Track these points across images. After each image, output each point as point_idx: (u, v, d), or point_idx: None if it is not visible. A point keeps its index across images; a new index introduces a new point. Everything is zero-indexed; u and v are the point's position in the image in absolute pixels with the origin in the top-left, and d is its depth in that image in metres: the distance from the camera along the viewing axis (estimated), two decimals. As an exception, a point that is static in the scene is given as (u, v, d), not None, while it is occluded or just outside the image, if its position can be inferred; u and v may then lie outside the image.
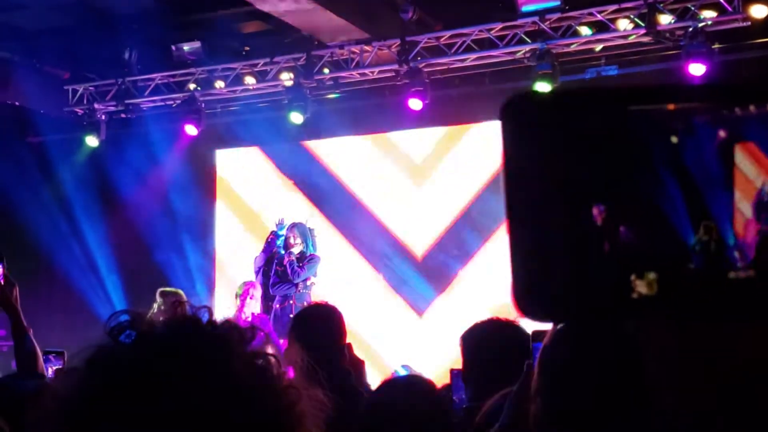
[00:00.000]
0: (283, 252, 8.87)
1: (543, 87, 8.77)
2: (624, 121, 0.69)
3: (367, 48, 9.48)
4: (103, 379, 1.00)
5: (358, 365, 3.87)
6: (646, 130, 0.69)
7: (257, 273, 8.99)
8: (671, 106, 0.70)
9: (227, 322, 1.07)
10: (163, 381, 0.99)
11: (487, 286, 9.51)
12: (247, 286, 8.49)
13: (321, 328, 3.42)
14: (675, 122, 0.69)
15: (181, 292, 8.58)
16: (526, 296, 0.69)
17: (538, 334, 2.19)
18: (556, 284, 0.69)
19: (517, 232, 0.69)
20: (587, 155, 0.69)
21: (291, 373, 3.25)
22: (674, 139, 0.69)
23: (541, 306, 0.70)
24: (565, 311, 0.71)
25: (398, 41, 9.28)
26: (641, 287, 0.68)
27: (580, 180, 0.68)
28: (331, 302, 3.60)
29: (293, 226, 8.98)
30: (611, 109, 0.70)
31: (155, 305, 8.46)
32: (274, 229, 9.17)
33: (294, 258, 8.78)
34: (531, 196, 0.69)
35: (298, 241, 8.86)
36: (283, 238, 8.94)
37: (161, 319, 1.07)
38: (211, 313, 1.08)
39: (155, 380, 0.99)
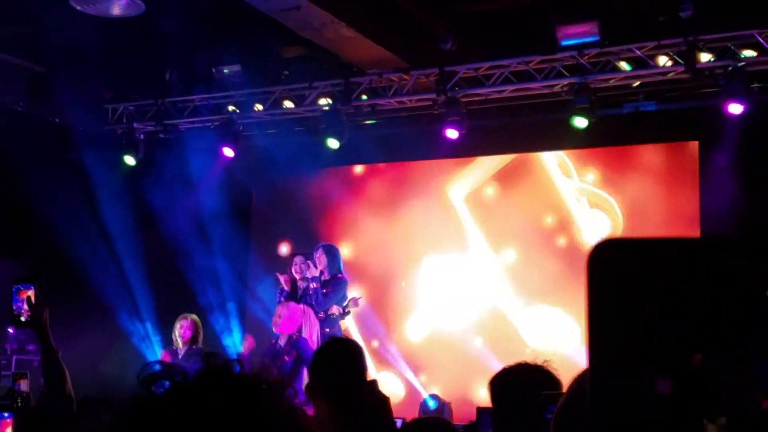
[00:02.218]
0: (306, 280, 8.76)
1: (580, 122, 8.74)
2: (709, 273, 0.71)
3: (405, 76, 9.53)
4: (138, 430, 1.03)
5: (384, 402, 3.81)
6: (733, 281, 0.72)
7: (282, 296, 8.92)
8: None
9: (258, 374, 1.10)
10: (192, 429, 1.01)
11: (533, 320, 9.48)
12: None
13: (341, 365, 3.35)
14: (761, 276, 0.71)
15: (196, 318, 8.66)
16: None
17: (551, 398, 2.17)
18: (634, 426, 0.71)
19: (600, 372, 0.72)
20: (672, 303, 0.71)
21: (311, 412, 3.21)
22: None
23: None
24: None
25: (437, 70, 9.30)
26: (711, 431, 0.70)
27: (666, 327, 0.70)
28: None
29: (319, 247, 8.88)
30: (695, 260, 0.72)
31: (175, 329, 8.51)
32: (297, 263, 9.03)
33: (318, 285, 8.62)
34: (616, 340, 0.71)
35: (323, 262, 8.71)
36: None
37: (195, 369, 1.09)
38: (242, 365, 1.11)
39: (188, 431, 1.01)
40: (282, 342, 8.11)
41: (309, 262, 8.80)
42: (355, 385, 3.32)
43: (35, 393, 5.33)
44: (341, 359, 3.37)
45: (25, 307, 3.70)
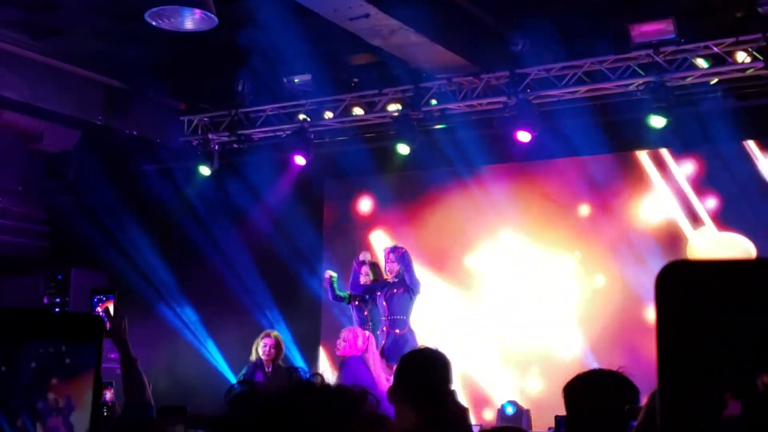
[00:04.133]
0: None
1: (657, 121, 8.57)
2: None
3: (475, 80, 9.47)
4: None
5: (462, 412, 3.81)
6: None
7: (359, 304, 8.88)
8: None
9: (339, 388, 1.12)
10: None
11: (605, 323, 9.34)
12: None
13: (426, 374, 3.36)
14: None
15: (278, 335, 8.70)
16: None
17: (634, 411, 2.12)
18: None
19: (670, 394, 0.72)
20: (742, 324, 0.71)
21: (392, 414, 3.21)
22: None
23: None
24: None
25: (507, 73, 9.22)
26: None
27: (736, 348, 0.71)
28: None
29: (390, 250, 8.77)
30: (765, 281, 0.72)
31: (258, 347, 8.54)
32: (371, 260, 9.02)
33: (401, 289, 8.52)
34: (686, 360, 0.72)
35: (397, 266, 8.58)
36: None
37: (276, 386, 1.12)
38: (322, 379, 1.13)
39: None
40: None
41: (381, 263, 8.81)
42: (439, 393, 3.33)
43: (121, 402, 5.42)
44: (428, 367, 3.38)
45: (104, 317, 3.76)
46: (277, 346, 8.56)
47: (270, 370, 8.50)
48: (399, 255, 8.62)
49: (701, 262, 0.74)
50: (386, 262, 8.71)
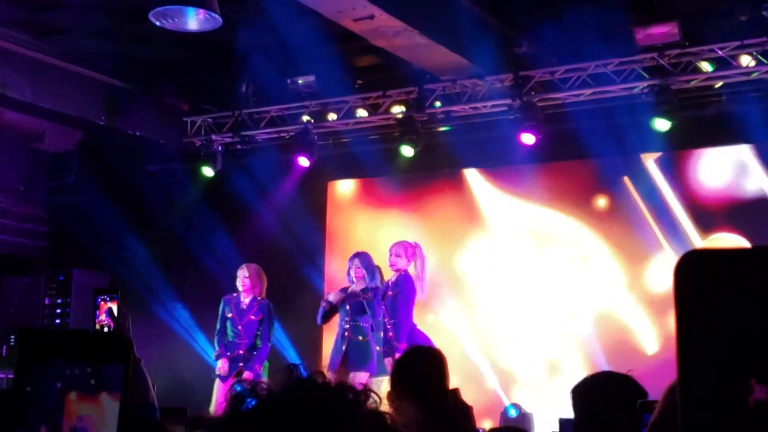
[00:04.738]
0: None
1: (662, 124, 8.55)
2: None
3: (479, 82, 9.45)
4: None
5: (466, 410, 3.78)
6: None
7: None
8: None
9: (342, 383, 1.10)
10: None
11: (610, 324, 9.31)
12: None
13: (423, 372, 3.36)
14: None
15: (255, 265, 8.35)
16: None
17: (647, 406, 2.11)
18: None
19: (690, 383, 0.72)
20: (763, 310, 0.71)
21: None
22: None
23: None
24: None
25: (511, 75, 9.21)
26: None
27: (759, 334, 0.71)
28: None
29: (355, 256, 8.29)
30: None
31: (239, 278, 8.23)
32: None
33: (370, 296, 8.07)
34: (708, 348, 0.72)
35: (360, 274, 8.14)
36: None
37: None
38: (324, 377, 1.11)
39: None
40: None
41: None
42: (439, 391, 3.33)
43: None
44: (425, 366, 3.38)
45: (108, 317, 3.74)
46: (254, 277, 8.21)
47: (249, 300, 8.19)
48: (363, 260, 8.23)
49: (720, 250, 0.75)
50: (351, 268, 8.25)
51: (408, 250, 8.00)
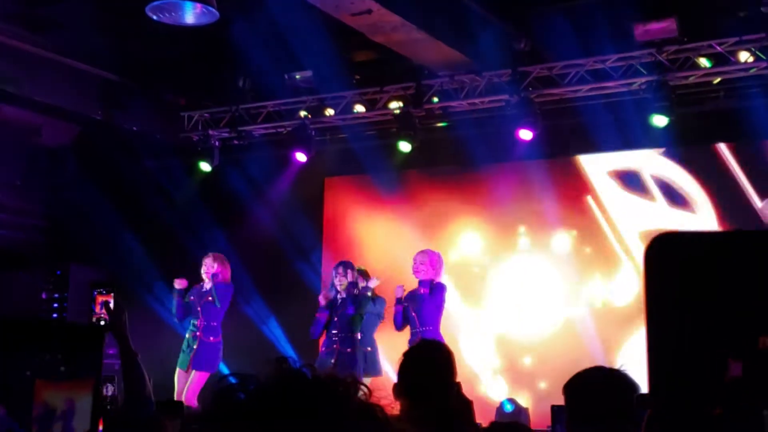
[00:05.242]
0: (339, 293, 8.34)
1: (659, 120, 8.55)
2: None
3: (477, 78, 9.44)
4: None
5: (466, 405, 3.77)
6: None
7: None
8: None
9: (332, 376, 1.09)
10: None
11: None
12: None
13: (428, 366, 3.35)
14: None
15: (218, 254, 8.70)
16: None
17: (644, 400, 2.11)
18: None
19: (659, 362, 0.73)
20: (746, 291, 0.72)
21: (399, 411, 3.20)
22: None
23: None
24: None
25: (509, 71, 9.19)
26: None
27: (731, 312, 0.72)
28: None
29: (339, 265, 8.45)
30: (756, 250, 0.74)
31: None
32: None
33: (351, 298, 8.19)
34: (681, 327, 0.73)
35: (348, 278, 8.26)
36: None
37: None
38: (314, 370, 1.10)
39: None
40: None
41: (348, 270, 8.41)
42: (443, 387, 3.32)
43: (123, 396, 5.40)
44: (431, 361, 3.38)
45: (104, 311, 3.73)
46: (215, 264, 8.50)
47: (211, 284, 8.43)
48: (349, 269, 8.34)
49: (690, 232, 0.77)
50: (336, 276, 8.36)
51: (434, 258, 8.16)
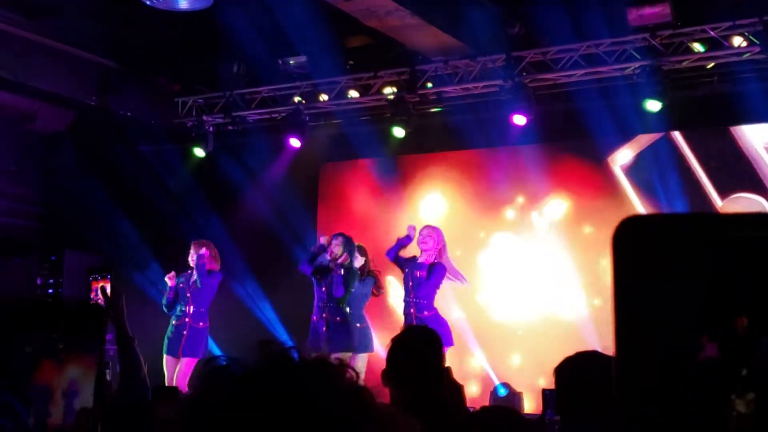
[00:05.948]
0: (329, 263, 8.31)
1: (653, 105, 8.56)
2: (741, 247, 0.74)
3: (471, 63, 9.44)
4: (205, 419, 1.03)
5: (457, 390, 3.80)
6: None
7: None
8: None
9: (319, 359, 1.08)
10: (264, 418, 1.00)
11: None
12: None
13: (416, 353, 3.36)
14: None
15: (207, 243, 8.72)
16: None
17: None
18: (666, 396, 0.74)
19: (627, 344, 0.75)
20: (721, 272, 0.72)
21: (387, 398, 3.22)
22: None
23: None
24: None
25: (503, 56, 9.20)
26: (740, 406, 0.72)
27: (718, 295, 0.72)
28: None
29: (338, 235, 8.43)
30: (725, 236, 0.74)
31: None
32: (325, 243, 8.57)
33: (341, 273, 8.19)
34: (654, 313, 0.73)
35: (341, 251, 8.27)
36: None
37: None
38: (300, 352, 1.09)
39: (255, 417, 1.01)
40: None
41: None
42: (431, 372, 3.33)
43: (117, 381, 5.42)
44: (419, 347, 3.38)
45: (100, 296, 3.75)
46: (202, 252, 8.56)
47: (195, 275, 8.56)
48: (343, 241, 8.35)
49: (657, 215, 0.80)
50: (331, 245, 8.36)
51: (440, 238, 8.24)
